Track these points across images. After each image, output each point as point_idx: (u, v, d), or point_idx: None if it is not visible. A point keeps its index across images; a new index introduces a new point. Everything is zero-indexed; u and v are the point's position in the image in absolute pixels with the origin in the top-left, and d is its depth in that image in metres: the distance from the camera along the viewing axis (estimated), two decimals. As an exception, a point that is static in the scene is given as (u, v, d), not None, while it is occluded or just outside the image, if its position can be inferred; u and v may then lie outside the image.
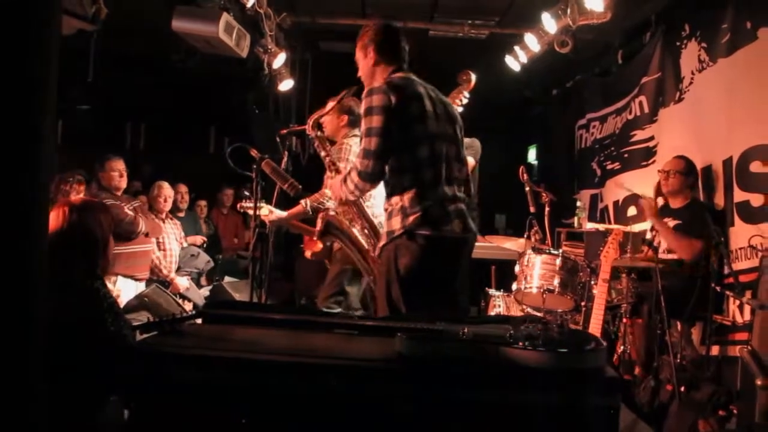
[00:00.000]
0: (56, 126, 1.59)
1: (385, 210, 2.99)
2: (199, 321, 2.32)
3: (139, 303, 4.46)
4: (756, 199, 4.30)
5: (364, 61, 3.14)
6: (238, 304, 4.32)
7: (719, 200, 4.74)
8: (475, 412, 1.75)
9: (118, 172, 4.98)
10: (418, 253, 2.84)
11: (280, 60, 6.37)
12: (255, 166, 3.90)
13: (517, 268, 4.60)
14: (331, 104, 3.65)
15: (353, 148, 4.16)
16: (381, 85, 2.90)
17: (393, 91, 2.85)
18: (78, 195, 4.56)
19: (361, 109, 2.91)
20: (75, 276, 2.33)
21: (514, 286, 4.60)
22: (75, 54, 5.31)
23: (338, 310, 4.12)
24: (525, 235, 5.20)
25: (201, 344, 1.93)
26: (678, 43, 5.32)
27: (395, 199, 2.91)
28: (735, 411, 3.56)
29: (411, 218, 2.84)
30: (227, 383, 1.78)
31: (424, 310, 2.75)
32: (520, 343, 1.78)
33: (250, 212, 4.60)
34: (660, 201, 4.93)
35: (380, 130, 2.83)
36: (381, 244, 2.99)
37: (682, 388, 3.80)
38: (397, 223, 2.87)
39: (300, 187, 4.10)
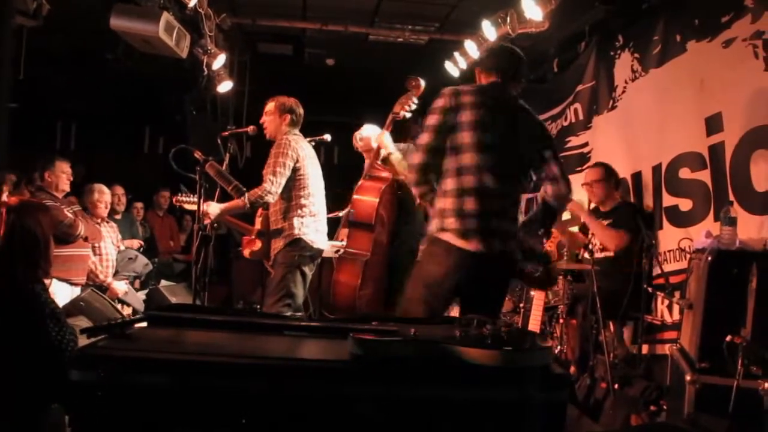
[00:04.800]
0: (8, 116, 1.54)
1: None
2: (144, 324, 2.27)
3: (74, 307, 4.34)
4: (684, 204, 4.50)
5: None
6: (185, 307, 4.25)
7: (648, 204, 4.93)
8: (429, 410, 1.78)
9: (66, 174, 4.91)
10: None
11: (219, 61, 6.28)
12: (199, 169, 3.85)
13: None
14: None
15: (292, 144, 4.21)
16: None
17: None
18: (4, 195, 4.40)
19: None
20: (15, 279, 2.26)
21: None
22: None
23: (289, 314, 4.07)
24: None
25: (150, 347, 1.90)
26: (612, 53, 5.50)
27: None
28: (665, 406, 3.71)
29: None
30: (178, 387, 1.75)
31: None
32: (471, 343, 1.83)
33: (186, 206, 4.53)
34: (592, 204, 5.09)
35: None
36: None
37: (616, 386, 3.95)
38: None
39: (244, 189, 4.06)
